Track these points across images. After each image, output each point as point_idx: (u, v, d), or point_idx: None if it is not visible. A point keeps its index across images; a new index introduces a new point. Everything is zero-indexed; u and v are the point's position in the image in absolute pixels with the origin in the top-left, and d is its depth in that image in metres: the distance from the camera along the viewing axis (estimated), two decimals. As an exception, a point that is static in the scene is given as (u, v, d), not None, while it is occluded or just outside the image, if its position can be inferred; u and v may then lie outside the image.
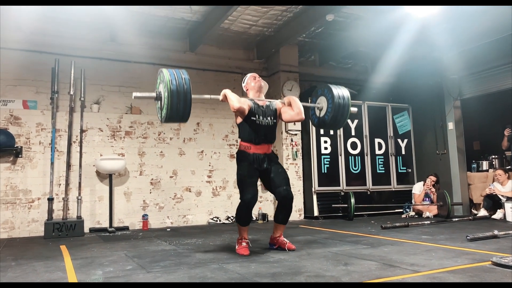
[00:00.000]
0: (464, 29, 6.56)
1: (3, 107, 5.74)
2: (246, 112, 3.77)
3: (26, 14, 5.45)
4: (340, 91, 4.09)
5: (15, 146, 5.62)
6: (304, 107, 4.04)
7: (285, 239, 3.92)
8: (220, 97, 3.85)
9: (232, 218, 6.84)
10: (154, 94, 3.52)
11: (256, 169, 3.78)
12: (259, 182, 3.94)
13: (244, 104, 3.76)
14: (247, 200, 3.67)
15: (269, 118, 3.85)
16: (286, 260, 3.38)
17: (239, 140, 3.99)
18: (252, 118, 3.80)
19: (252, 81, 4.03)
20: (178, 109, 3.35)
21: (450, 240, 4.22)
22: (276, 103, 4.02)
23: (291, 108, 3.94)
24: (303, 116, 3.92)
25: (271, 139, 3.91)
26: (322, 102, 4.22)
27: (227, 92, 3.84)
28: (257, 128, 3.80)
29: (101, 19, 5.95)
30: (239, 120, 3.88)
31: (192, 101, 3.42)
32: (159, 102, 3.54)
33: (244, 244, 3.76)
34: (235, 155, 3.97)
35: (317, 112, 4.26)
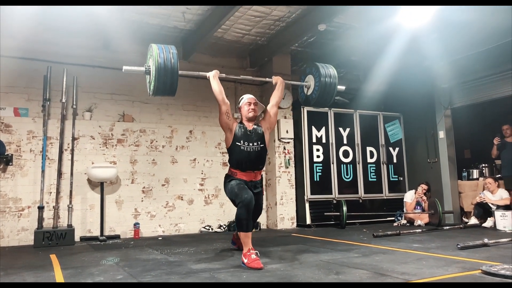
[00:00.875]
0: (454, 39, 6.65)
1: (-6, 114, 5.71)
2: (225, 115, 3.78)
3: (19, 21, 5.42)
4: (327, 70, 4.32)
5: (6, 154, 5.57)
6: (293, 85, 4.35)
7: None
8: (207, 75, 3.96)
9: (224, 226, 6.82)
10: (143, 68, 3.68)
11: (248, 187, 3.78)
12: None
13: (226, 105, 3.82)
14: (246, 200, 3.55)
15: (256, 144, 3.78)
16: (278, 269, 3.37)
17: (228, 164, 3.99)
18: (237, 143, 3.75)
19: (246, 107, 3.88)
20: (165, 82, 3.52)
21: (441, 249, 4.24)
22: (263, 125, 3.93)
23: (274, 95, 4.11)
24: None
25: (259, 166, 3.84)
26: (310, 80, 4.47)
27: (211, 78, 3.89)
28: (244, 154, 3.74)
29: (94, 27, 5.96)
30: (227, 143, 3.86)
31: (179, 78, 3.59)
32: (148, 76, 3.69)
33: (254, 256, 3.45)
34: (224, 177, 3.97)
35: (305, 90, 4.51)
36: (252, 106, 3.87)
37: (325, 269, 3.29)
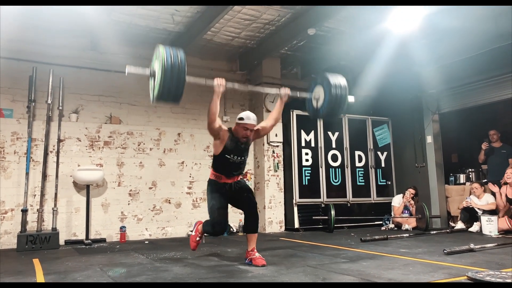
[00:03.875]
0: (443, 45, 6.72)
1: (-23, 115, 5.59)
2: (218, 130, 3.74)
3: (4, 20, 5.32)
4: (337, 80, 3.94)
5: (-11, 155, 5.46)
6: (300, 97, 4.17)
7: (256, 254, 3.83)
8: (215, 82, 3.72)
9: (212, 230, 6.76)
10: (148, 71, 3.44)
11: (225, 193, 3.88)
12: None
13: (218, 122, 3.73)
14: (217, 222, 3.81)
15: (243, 157, 3.88)
16: (265, 275, 3.34)
17: (210, 168, 4.03)
18: (227, 156, 3.79)
19: (243, 132, 3.78)
20: (170, 88, 3.24)
21: (427, 254, 4.25)
22: (253, 141, 4.07)
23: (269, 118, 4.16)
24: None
25: (243, 171, 4.03)
26: (319, 92, 4.07)
27: (215, 96, 3.66)
28: (230, 165, 3.83)
29: (82, 28, 5.89)
30: (215, 151, 3.87)
31: (185, 84, 3.33)
32: (152, 80, 3.44)
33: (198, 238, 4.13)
34: (207, 182, 4.02)
35: (314, 102, 4.12)
36: (248, 133, 3.80)
37: (311, 275, 3.27)
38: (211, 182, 3.95)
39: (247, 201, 3.94)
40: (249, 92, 7.67)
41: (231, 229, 6.76)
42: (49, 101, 5.83)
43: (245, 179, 7.12)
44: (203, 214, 6.83)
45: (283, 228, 7.09)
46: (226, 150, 3.78)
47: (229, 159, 3.78)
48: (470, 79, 6.94)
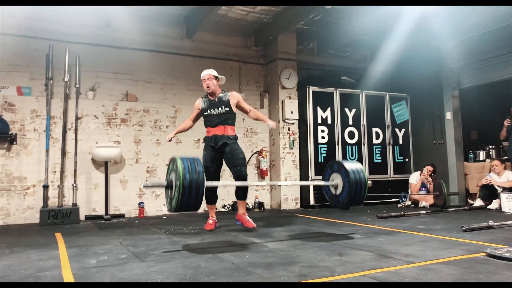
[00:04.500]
0: (464, 18, 6.47)
1: (-3, 93, 5.68)
2: (196, 114, 4.65)
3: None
4: (354, 166, 3.93)
5: (10, 133, 5.57)
6: (318, 186, 4.32)
7: (247, 217, 4.47)
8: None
9: (228, 206, 6.84)
10: (164, 183, 3.39)
11: (213, 148, 4.40)
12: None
13: (193, 113, 4.69)
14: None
15: (219, 109, 4.42)
16: (281, 249, 3.37)
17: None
18: (205, 113, 4.51)
19: (204, 85, 4.49)
20: (188, 203, 3.20)
21: (445, 231, 4.22)
22: (230, 95, 4.51)
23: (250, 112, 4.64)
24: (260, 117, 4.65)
25: (225, 122, 4.43)
26: (336, 179, 4.05)
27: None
28: (211, 118, 4.47)
29: (96, 4, 5.83)
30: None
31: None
32: (169, 191, 3.38)
33: (210, 221, 4.57)
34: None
35: (332, 190, 4.09)
36: (206, 82, 4.45)
37: (328, 250, 3.29)
38: (204, 138, 4.56)
39: (235, 165, 4.39)
40: (264, 68, 7.59)
41: (247, 205, 6.82)
42: (66, 79, 5.88)
43: (260, 156, 7.14)
44: (219, 190, 6.81)
45: (299, 205, 7.12)
46: (203, 110, 4.51)
47: (208, 115, 4.47)
48: (492, 53, 6.72)
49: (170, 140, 4.65)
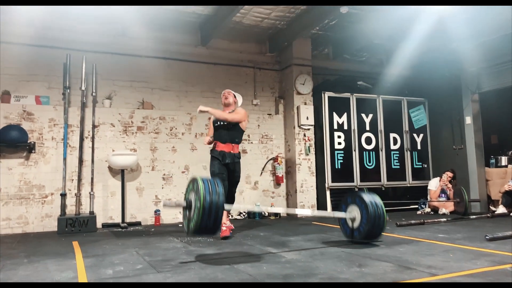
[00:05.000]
0: (483, 19, 6.32)
1: (16, 102, 5.76)
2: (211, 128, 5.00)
3: (37, 8, 5.42)
4: (373, 198, 3.90)
5: (28, 141, 5.64)
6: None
7: (223, 227, 4.56)
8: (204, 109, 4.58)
9: (244, 214, 6.80)
10: (184, 203, 3.32)
11: (223, 164, 4.69)
12: None
13: (209, 131, 5.10)
14: None
15: (227, 122, 4.77)
16: (298, 260, 3.30)
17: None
18: (216, 124, 4.87)
19: (222, 98, 5.01)
20: (207, 226, 3.13)
21: (468, 240, 4.09)
22: (237, 109, 4.92)
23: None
24: (228, 118, 4.75)
25: (234, 141, 4.79)
26: (353, 211, 4.00)
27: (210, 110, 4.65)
28: (220, 132, 4.79)
29: (112, 13, 5.89)
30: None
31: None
32: (187, 212, 3.32)
33: (224, 228, 4.59)
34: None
35: (350, 223, 4.04)
36: (225, 95, 4.97)
37: (347, 261, 3.21)
38: (211, 150, 4.86)
39: (233, 183, 4.86)
40: (279, 74, 7.55)
41: (263, 212, 6.77)
42: (83, 88, 5.94)
43: (276, 163, 7.08)
44: (235, 198, 6.85)
45: (315, 212, 7.01)
46: (214, 121, 4.89)
47: (218, 126, 4.82)
48: (513, 56, 6.55)
49: (209, 142, 4.94)
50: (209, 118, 5.20)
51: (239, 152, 4.89)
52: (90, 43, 6.17)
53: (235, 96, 5.01)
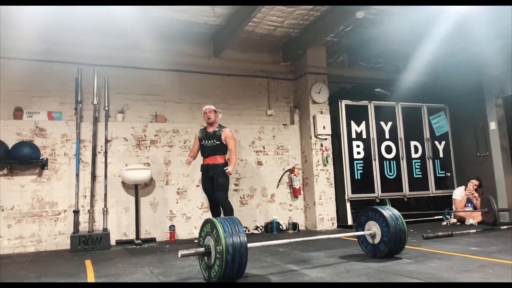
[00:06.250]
0: (505, 21, 6.07)
1: (29, 118, 5.70)
2: (196, 143, 5.57)
3: (47, 23, 5.38)
4: (391, 212, 3.80)
5: (41, 158, 5.55)
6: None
7: None
8: None
9: (261, 228, 6.58)
10: (202, 250, 3.05)
11: (207, 176, 5.34)
12: None
13: (194, 146, 5.68)
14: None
15: (212, 141, 5.32)
16: (323, 278, 3.07)
17: None
18: (201, 143, 5.44)
19: (204, 116, 5.42)
20: (233, 267, 2.85)
21: (503, 253, 3.81)
22: (223, 131, 5.32)
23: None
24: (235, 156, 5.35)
25: (215, 153, 5.30)
26: (372, 227, 3.89)
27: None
28: (204, 148, 5.40)
29: (122, 26, 5.80)
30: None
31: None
32: (205, 257, 3.08)
33: None
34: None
35: (369, 239, 3.93)
36: (207, 115, 5.38)
37: (376, 279, 2.97)
38: (200, 167, 5.50)
39: (215, 189, 5.25)
40: (293, 83, 7.38)
41: (281, 226, 6.54)
42: (95, 102, 5.85)
43: (292, 174, 6.87)
44: (251, 212, 6.68)
45: (335, 225, 6.75)
46: (200, 139, 5.44)
47: (203, 144, 5.40)
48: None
49: (190, 163, 5.57)
50: (196, 134, 5.65)
51: (225, 162, 5.29)
52: (101, 57, 6.10)
53: (215, 111, 5.41)
